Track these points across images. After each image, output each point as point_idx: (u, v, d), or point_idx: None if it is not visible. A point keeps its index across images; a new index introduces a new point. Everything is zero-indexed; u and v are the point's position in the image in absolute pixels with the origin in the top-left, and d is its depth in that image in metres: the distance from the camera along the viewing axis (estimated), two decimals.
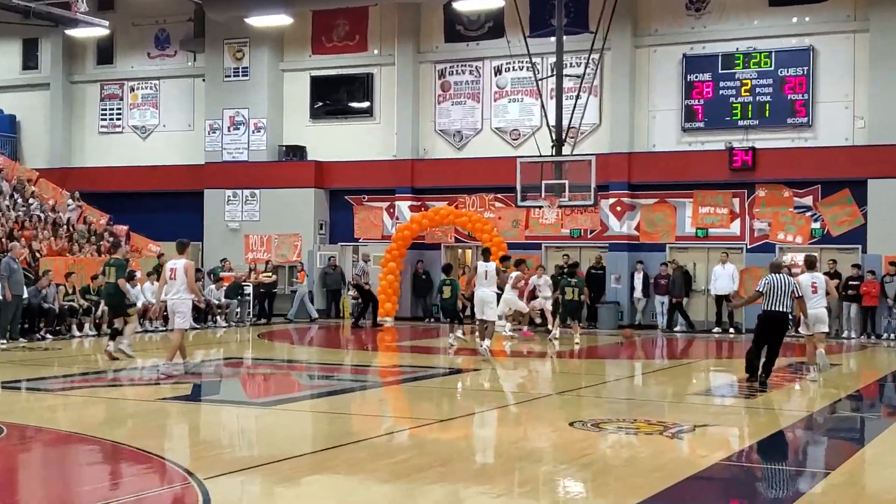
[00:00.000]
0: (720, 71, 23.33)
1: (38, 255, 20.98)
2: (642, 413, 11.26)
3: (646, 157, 24.07)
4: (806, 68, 22.46)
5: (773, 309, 12.17)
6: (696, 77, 23.48)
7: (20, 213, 24.05)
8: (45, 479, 7.82)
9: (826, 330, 14.09)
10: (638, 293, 23.79)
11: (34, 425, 9.96)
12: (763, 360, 12.57)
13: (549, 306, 20.73)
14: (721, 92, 23.33)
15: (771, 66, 22.82)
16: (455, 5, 24.75)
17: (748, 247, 23.21)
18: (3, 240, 21.09)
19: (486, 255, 17.55)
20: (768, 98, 22.85)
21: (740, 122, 23.17)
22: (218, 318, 23.50)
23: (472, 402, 12.80)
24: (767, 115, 22.87)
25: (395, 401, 13.12)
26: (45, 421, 10.32)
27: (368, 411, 11.84)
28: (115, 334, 16.29)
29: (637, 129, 24.34)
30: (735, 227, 23.41)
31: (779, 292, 12.12)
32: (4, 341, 17.70)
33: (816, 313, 13.31)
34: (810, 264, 13.95)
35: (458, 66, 26.37)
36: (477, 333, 16.95)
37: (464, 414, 11.67)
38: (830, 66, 22.60)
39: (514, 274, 18.92)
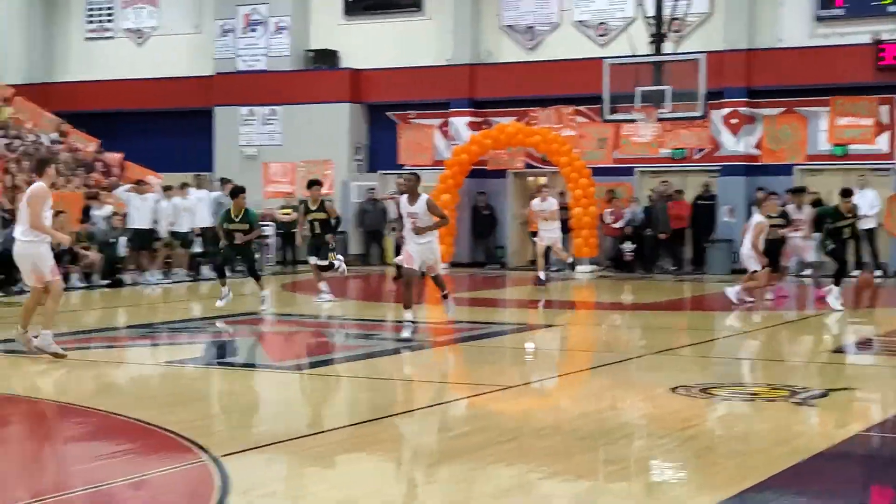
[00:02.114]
0: None
1: (13, 191, 21.50)
2: (763, 376, 11.18)
3: (770, 55, 24.23)
4: None
5: None
6: None
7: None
8: (31, 458, 7.88)
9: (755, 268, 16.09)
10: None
11: (15, 394, 10.12)
12: None
13: (558, 243, 20.50)
14: None
15: None
16: None
17: None
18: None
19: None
20: None
21: (891, 8, 23.15)
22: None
23: (548, 365, 12.67)
24: None
25: (450, 364, 12.97)
26: (28, 389, 10.54)
27: (418, 376, 11.81)
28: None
29: (759, 19, 24.46)
30: (883, 143, 23.27)
31: None
32: None
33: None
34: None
35: None
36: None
37: (536, 379, 11.45)
38: None
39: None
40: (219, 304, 16.94)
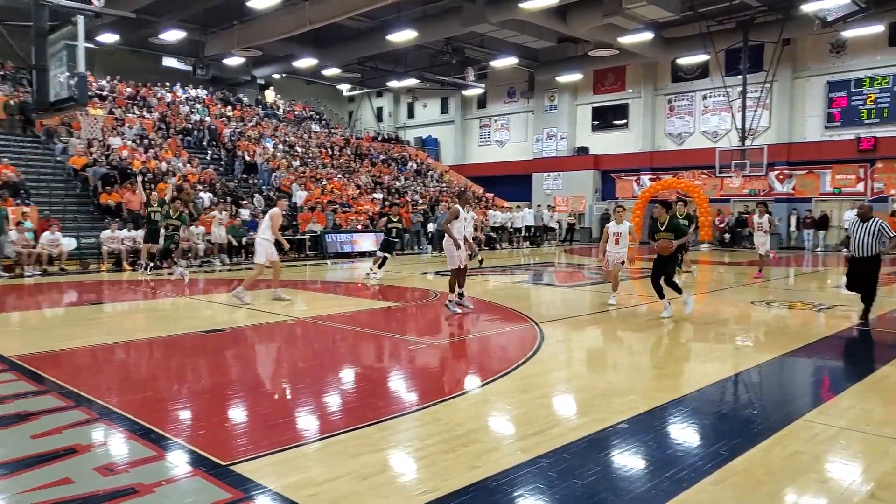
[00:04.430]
0: (852, 89, 23.99)
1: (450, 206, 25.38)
2: (795, 297, 10.48)
3: (800, 145, 24.99)
4: None
5: None
6: (836, 94, 24.34)
7: (441, 188, 29.04)
8: (456, 318, 8.45)
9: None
10: (793, 227, 24.68)
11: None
12: None
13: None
14: (852, 102, 24.05)
15: (890, 84, 23.16)
16: (678, 60, 26.65)
17: (868, 198, 23.03)
18: (431, 203, 25.01)
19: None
20: (887, 104, 23.33)
21: (865, 121, 23.70)
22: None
23: (685, 289, 9.87)
24: (886, 115, 23.33)
25: (642, 287, 11.89)
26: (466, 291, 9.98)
27: (620, 293, 10.61)
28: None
29: (794, 127, 25.22)
30: (860, 187, 23.83)
31: None
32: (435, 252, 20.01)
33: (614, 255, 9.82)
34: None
35: (679, 96, 28.04)
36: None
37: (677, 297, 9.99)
38: None
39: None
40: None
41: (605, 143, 29.81)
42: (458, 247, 8.72)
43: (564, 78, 29.07)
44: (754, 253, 15.13)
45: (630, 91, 29.24)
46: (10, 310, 9.81)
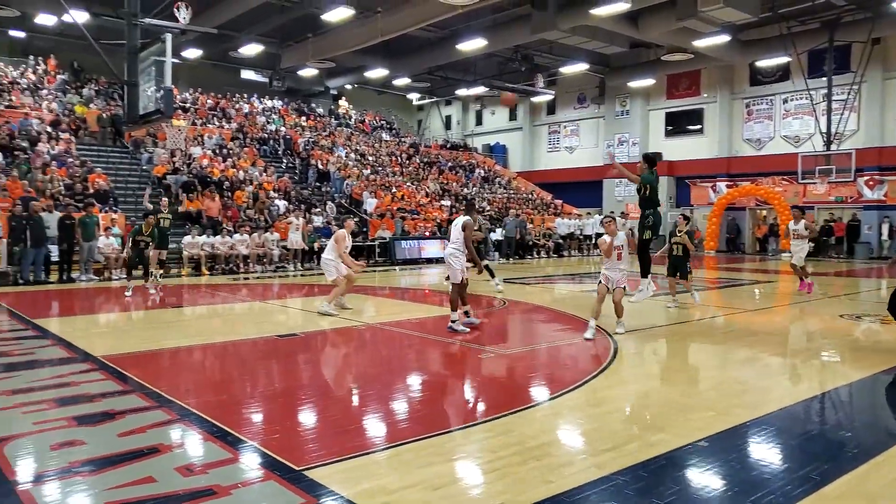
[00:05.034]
0: None
1: (520, 213, 24.40)
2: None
3: (892, 149, 23.43)
4: None
5: None
6: None
7: (509, 194, 29.20)
8: (525, 325, 9.11)
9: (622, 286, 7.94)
10: (885, 236, 23.48)
11: (520, 300, 11.29)
12: None
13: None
14: None
15: None
16: (757, 63, 25.77)
17: None
18: (502, 209, 25.52)
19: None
20: None
21: None
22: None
23: (765, 301, 11.89)
24: None
25: (720, 298, 11.99)
26: (525, 297, 11.65)
27: (701, 303, 10.69)
28: None
29: (886, 130, 23.81)
30: None
31: None
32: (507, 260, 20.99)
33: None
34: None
35: (757, 100, 27.02)
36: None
37: (761, 307, 10.82)
38: None
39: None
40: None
41: (680, 149, 29.10)
42: (480, 270, 8.16)
43: (636, 83, 28.55)
44: (844, 263, 14.29)
45: (705, 95, 28.46)
46: (99, 311, 10.39)
